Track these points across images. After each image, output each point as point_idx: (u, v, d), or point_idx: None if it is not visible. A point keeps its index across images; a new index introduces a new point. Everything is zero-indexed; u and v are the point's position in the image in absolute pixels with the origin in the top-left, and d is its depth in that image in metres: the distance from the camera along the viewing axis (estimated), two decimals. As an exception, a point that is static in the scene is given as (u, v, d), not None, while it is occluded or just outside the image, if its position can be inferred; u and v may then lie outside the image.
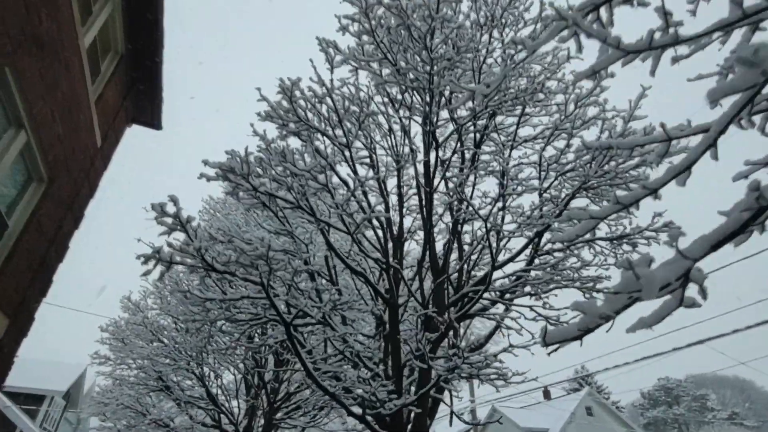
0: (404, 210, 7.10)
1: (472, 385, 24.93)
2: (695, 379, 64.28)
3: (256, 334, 13.01)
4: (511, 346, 5.23)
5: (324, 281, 6.03)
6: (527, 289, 6.47)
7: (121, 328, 13.09)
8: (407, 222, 7.83)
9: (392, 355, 5.95)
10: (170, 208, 4.15)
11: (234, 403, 14.43)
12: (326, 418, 13.64)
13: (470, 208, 6.19)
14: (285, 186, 5.11)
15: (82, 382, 29.29)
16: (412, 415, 6.04)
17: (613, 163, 5.67)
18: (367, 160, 6.63)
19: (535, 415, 36.56)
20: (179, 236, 4.62)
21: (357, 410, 5.37)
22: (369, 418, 5.44)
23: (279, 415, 13.23)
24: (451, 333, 5.84)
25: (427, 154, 6.74)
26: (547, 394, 40.51)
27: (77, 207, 9.04)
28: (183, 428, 12.57)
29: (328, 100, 5.82)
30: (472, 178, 6.95)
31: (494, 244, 5.83)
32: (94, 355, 13.07)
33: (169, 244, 4.20)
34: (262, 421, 13.94)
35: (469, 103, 6.31)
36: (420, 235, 7.79)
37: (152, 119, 10.86)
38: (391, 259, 6.29)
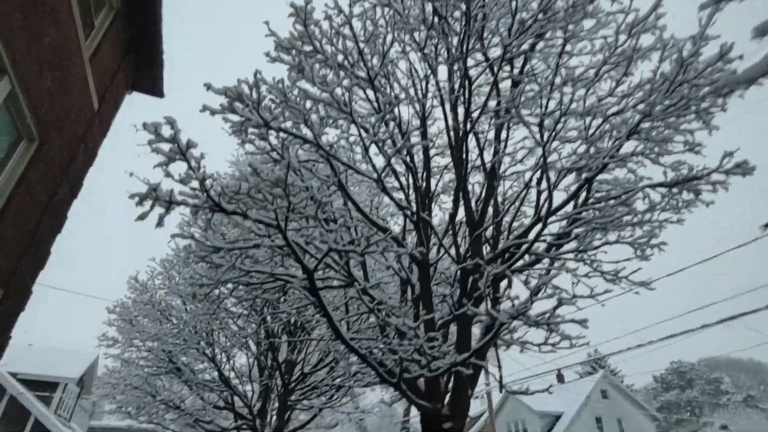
0: (431, 164, 6.32)
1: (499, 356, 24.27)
2: (708, 362, 63.34)
3: (268, 314, 12.40)
4: (574, 296, 4.46)
5: (344, 236, 5.29)
6: (572, 245, 5.70)
7: (129, 308, 12.54)
8: (433, 183, 7.08)
9: (425, 318, 5.27)
10: (166, 131, 3.43)
11: (248, 387, 13.90)
12: (343, 398, 13.06)
13: (509, 150, 5.43)
14: (301, 117, 4.35)
15: (95, 369, 29.07)
16: (450, 385, 5.38)
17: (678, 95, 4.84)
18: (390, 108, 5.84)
19: (550, 399, 35.92)
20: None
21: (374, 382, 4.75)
22: (404, 386, 4.77)
23: (294, 396, 12.66)
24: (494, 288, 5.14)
25: (459, 91, 5.91)
26: (560, 378, 39.88)
27: (74, 174, 8.35)
28: (195, 409, 12.04)
29: (347, 30, 5.03)
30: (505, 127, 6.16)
31: (542, 186, 5.08)
32: (102, 337, 12.55)
33: (168, 174, 3.46)
34: (277, 404, 13.41)
35: (503, 40, 5.52)
36: (448, 196, 7.06)
37: (153, 86, 10.11)
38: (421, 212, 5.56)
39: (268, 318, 12.38)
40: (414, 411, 37.38)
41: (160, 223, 3.71)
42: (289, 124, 4.46)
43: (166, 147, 3.47)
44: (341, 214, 4.16)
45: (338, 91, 4.78)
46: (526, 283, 5.56)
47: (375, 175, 5.18)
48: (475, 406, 43.81)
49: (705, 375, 59.33)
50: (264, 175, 3.50)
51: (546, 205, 5.13)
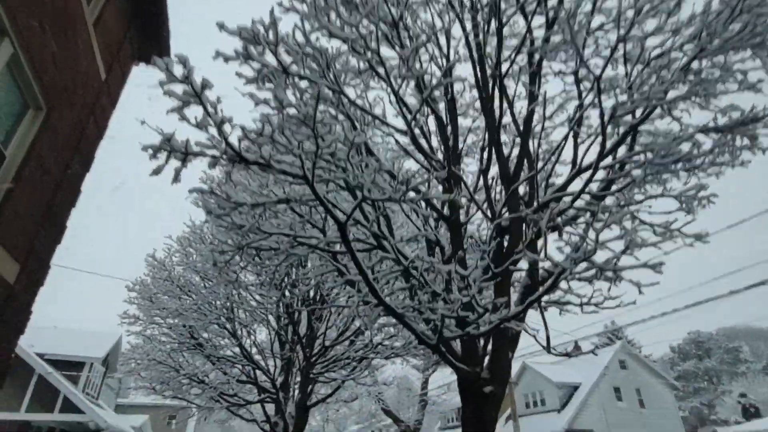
0: (457, 112, 5.87)
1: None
2: (727, 331, 62.78)
3: (287, 288, 12.28)
4: (642, 242, 4.05)
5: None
6: (612, 200, 5.30)
7: (148, 286, 12.52)
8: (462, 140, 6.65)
9: (458, 280, 4.98)
10: (178, 70, 3.08)
11: (270, 362, 13.93)
12: (365, 370, 13.01)
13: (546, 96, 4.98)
14: (324, 62, 3.98)
15: (119, 349, 29.67)
16: (489, 348, 5.12)
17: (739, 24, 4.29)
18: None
19: (567, 370, 35.92)
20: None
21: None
22: (443, 347, 4.52)
23: (316, 369, 12.64)
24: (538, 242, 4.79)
25: (488, 29, 5.42)
26: (577, 349, 39.80)
27: (85, 147, 8.12)
28: (219, 383, 12.09)
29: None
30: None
31: (584, 136, 4.69)
32: (123, 315, 12.60)
33: (183, 117, 3.11)
34: (299, 377, 13.43)
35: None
36: (471, 158, 6.66)
37: (160, 56, 9.76)
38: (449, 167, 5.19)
39: (287, 293, 12.26)
40: (432, 384, 37.68)
41: (176, 178, 3.42)
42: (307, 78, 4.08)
43: (179, 89, 3.14)
44: (370, 172, 3.83)
45: (362, 30, 4.37)
46: (565, 240, 5.20)
47: (403, 125, 4.81)
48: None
49: (723, 344, 58.88)
50: (290, 112, 3.16)
51: (599, 148, 4.67)
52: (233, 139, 3.27)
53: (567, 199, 5.42)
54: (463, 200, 5.91)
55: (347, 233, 3.74)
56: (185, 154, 3.31)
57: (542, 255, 3.83)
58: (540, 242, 5.13)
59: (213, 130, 3.21)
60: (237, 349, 12.90)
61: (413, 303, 4.19)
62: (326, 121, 3.23)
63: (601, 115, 4.47)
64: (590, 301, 4.70)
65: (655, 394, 34.31)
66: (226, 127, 3.15)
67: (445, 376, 38.11)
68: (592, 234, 3.39)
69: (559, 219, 3.65)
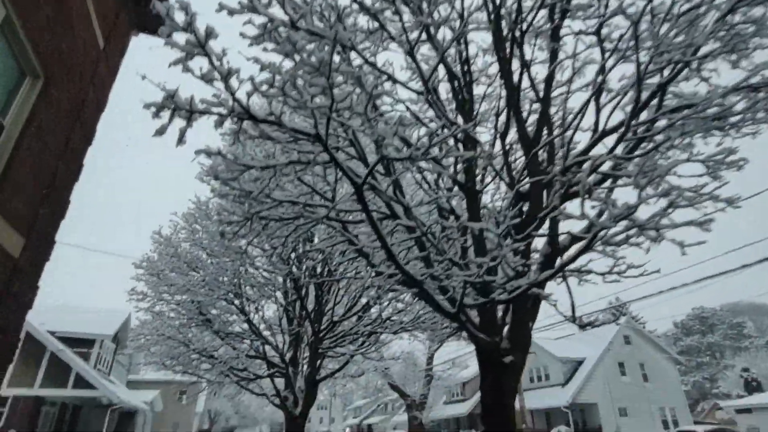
0: (472, 67, 5.55)
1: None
2: (731, 307, 62.93)
3: (295, 264, 12.19)
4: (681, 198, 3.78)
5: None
6: (634, 168, 5.03)
7: (155, 262, 12.46)
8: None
9: (475, 247, 4.78)
10: (179, 17, 2.83)
11: (279, 338, 13.96)
12: (374, 345, 13.02)
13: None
14: (335, 13, 3.70)
15: (128, 326, 30.05)
16: (507, 319, 4.99)
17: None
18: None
19: (571, 345, 36.19)
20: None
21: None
22: (464, 316, 4.39)
23: (324, 344, 12.67)
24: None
25: None
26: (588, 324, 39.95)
27: (86, 119, 7.89)
28: (228, 357, 12.13)
29: None
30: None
31: (603, 101, 4.40)
32: (131, 291, 12.58)
33: (187, 69, 2.88)
34: (308, 352, 13.48)
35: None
36: (485, 128, 6.37)
37: (160, 26, 9.43)
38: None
39: (295, 269, 12.17)
40: (437, 359, 38.10)
41: (181, 139, 3.20)
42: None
43: (181, 39, 2.90)
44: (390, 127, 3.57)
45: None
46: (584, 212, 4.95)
47: (416, 91, 4.54)
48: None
49: (727, 320, 59.11)
50: (305, 57, 2.90)
51: (632, 105, 4.36)
52: (241, 95, 3.05)
53: (586, 166, 5.16)
54: (480, 165, 5.68)
55: (364, 196, 3.53)
56: (190, 112, 3.08)
57: (579, 214, 3.62)
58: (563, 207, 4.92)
59: (219, 84, 2.98)
60: (245, 325, 12.91)
61: (432, 270, 4.01)
62: (342, 69, 2.97)
63: (638, 65, 4.17)
64: (612, 270, 4.51)
65: (659, 368, 34.57)
66: (233, 82, 2.92)
67: (450, 352, 38.52)
68: (611, 200, 3.17)
69: (590, 179, 3.42)
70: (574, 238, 4.58)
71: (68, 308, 29.17)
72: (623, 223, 3.22)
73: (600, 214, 4.45)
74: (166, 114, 3.10)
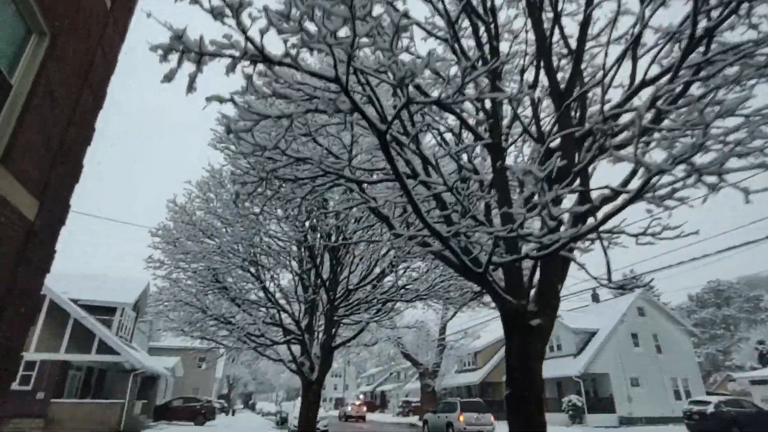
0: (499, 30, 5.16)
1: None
2: (748, 280, 62.00)
3: (309, 231, 12.08)
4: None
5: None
6: (669, 122, 4.66)
7: (171, 230, 12.48)
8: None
9: (501, 203, 4.54)
10: (184, -61, 2.55)
11: (295, 306, 14.03)
12: (390, 312, 13.02)
13: None
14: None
15: (147, 294, 30.76)
16: (535, 279, 4.79)
17: None
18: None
19: (585, 317, 36.13)
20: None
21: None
22: (490, 276, 4.21)
23: (339, 312, 12.72)
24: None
25: None
26: (595, 297, 39.82)
27: (95, 81, 7.68)
28: (246, 323, 12.24)
29: None
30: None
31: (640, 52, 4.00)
32: (149, 259, 12.70)
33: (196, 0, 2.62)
34: (323, 320, 13.57)
35: None
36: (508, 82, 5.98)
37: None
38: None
39: (309, 237, 12.09)
40: (451, 329, 38.44)
41: (191, 86, 2.96)
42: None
43: (186, -35, 2.63)
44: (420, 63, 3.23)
45: None
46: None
47: (444, 24, 4.20)
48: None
49: (743, 293, 58.33)
50: None
51: (686, 43, 3.94)
52: (254, 35, 2.77)
53: (622, 117, 4.78)
54: (505, 121, 5.36)
55: (388, 145, 3.28)
56: (200, 55, 2.83)
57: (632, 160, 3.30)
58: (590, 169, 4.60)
59: (231, 22, 2.70)
60: (261, 293, 12.99)
61: (458, 226, 3.78)
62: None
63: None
64: (647, 231, 4.21)
65: (673, 340, 34.40)
66: (245, 18, 2.64)
67: (462, 322, 38.80)
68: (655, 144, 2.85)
69: (634, 130, 3.11)
70: (604, 199, 4.28)
71: (90, 277, 29.87)
72: (679, 169, 2.91)
73: (633, 173, 4.15)
74: (174, 57, 2.86)
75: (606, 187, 3.79)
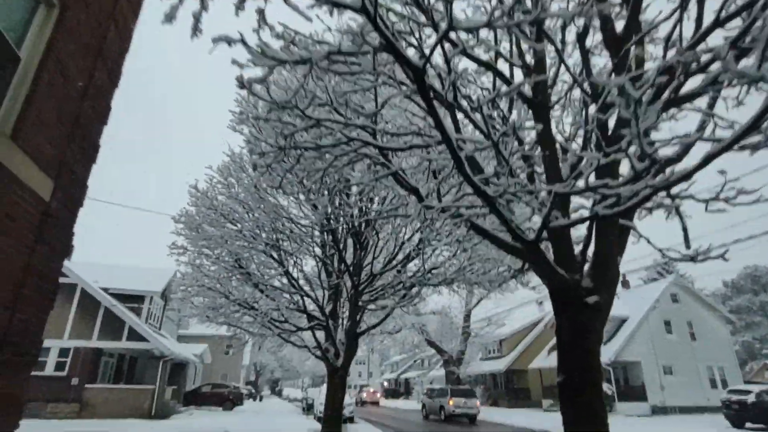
0: None
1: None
2: (787, 265, 59.02)
3: (332, 212, 11.73)
4: None
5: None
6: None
7: (193, 216, 12.34)
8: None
9: (547, 165, 4.02)
10: None
11: (319, 293, 13.76)
12: (416, 298, 12.59)
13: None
14: None
15: (174, 283, 31.24)
16: (589, 251, 4.27)
17: None
18: None
19: (614, 304, 34.98)
20: None
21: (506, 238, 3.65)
22: (542, 244, 3.74)
23: (364, 297, 12.38)
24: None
25: None
26: (625, 284, 38.54)
27: (109, 56, 7.37)
28: (269, 309, 12.03)
29: None
30: None
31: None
32: (172, 245, 12.61)
33: None
34: (347, 306, 13.27)
35: None
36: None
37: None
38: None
39: (332, 221, 11.74)
40: (476, 317, 37.88)
41: (196, 28, 2.57)
42: None
43: None
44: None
45: None
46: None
47: None
48: (528, 315, 43.91)
49: (783, 278, 55.68)
50: None
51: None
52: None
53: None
54: (550, 73, 4.76)
55: (426, 87, 2.80)
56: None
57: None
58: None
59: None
60: (285, 279, 12.76)
61: (506, 184, 3.29)
62: None
63: None
64: (719, 195, 3.62)
65: (708, 327, 33.01)
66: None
67: (487, 310, 38.18)
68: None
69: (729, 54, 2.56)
70: (668, 161, 3.68)
71: (119, 267, 30.49)
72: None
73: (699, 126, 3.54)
74: (175, -11, 2.44)
75: (685, 136, 3.20)
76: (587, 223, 4.08)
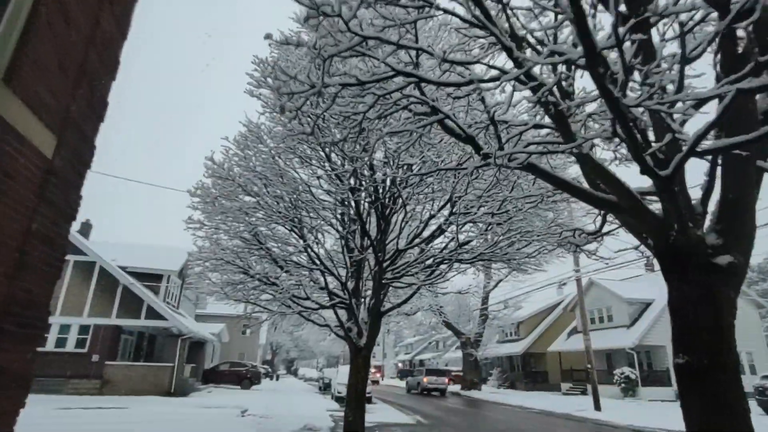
0: None
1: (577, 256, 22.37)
2: (818, 249, 57.00)
3: (358, 184, 11.02)
4: None
5: None
6: None
7: (209, 188, 11.77)
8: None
9: (617, 118, 3.21)
10: None
11: (341, 271, 13.15)
12: (447, 274, 11.88)
13: None
14: None
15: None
16: (711, 203, 3.50)
17: None
18: None
19: (638, 287, 33.89)
20: None
21: None
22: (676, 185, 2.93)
23: (388, 275, 11.73)
24: None
25: None
26: (650, 266, 37.36)
27: (115, 4, 6.74)
28: (291, 284, 11.48)
29: None
30: None
31: None
32: (188, 220, 12.09)
33: None
34: (370, 284, 12.67)
35: None
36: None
37: None
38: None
39: (356, 191, 11.02)
40: (494, 299, 37.15)
41: None
42: None
43: None
44: None
45: None
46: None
47: None
48: (546, 298, 43.04)
49: (813, 263, 53.72)
50: None
51: None
52: None
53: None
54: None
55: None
56: None
57: None
58: None
59: None
60: (304, 256, 12.18)
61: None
62: None
63: None
64: None
65: (739, 311, 31.80)
66: None
67: (505, 292, 37.41)
68: None
69: None
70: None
71: (137, 246, 30.42)
72: None
73: None
74: None
75: None
76: (710, 164, 3.28)
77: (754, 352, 30.84)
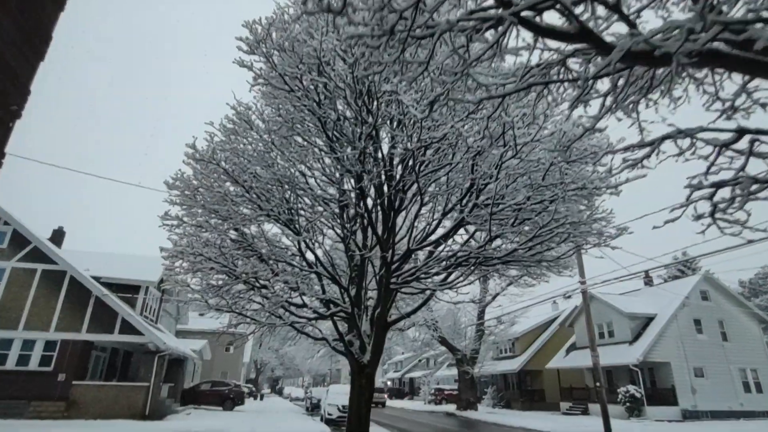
0: None
1: (581, 260, 21.05)
2: (807, 265, 56.80)
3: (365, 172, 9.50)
4: None
5: None
6: None
7: (189, 179, 10.11)
8: None
9: None
10: None
11: (341, 278, 11.50)
12: (469, 277, 10.33)
13: None
14: None
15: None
16: None
17: None
18: None
19: (638, 301, 32.72)
20: None
21: None
22: None
23: (395, 280, 10.11)
24: None
25: None
26: (648, 281, 36.38)
27: None
28: (285, 289, 9.82)
29: None
30: None
31: None
32: (164, 216, 10.33)
33: None
34: (374, 289, 11.01)
35: None
36: None
37: None
38: None
39: (362, 178, 9.51)
40: (490, 314, 35.57)
41: None
42: None
43: None
44: None
45: None
46: None
47: None
48: (542, 313, 41.62)
49: (804, 278, 53.55)
50: None
51: None
52: None
53: None
54: None
55: None
56: None
57: None
58: None
59: None
60: (299, 260, 10.58)
61: None
62: None
63: None
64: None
65: (740, 327, 30.77)
66: None
67: (503, 307, 35.91)
68: None
69: None
70: None
71: (113, 255, 28.26)
72: None
73: None
74: None
75: None
76: None
77: (759, 369, 29.72)
